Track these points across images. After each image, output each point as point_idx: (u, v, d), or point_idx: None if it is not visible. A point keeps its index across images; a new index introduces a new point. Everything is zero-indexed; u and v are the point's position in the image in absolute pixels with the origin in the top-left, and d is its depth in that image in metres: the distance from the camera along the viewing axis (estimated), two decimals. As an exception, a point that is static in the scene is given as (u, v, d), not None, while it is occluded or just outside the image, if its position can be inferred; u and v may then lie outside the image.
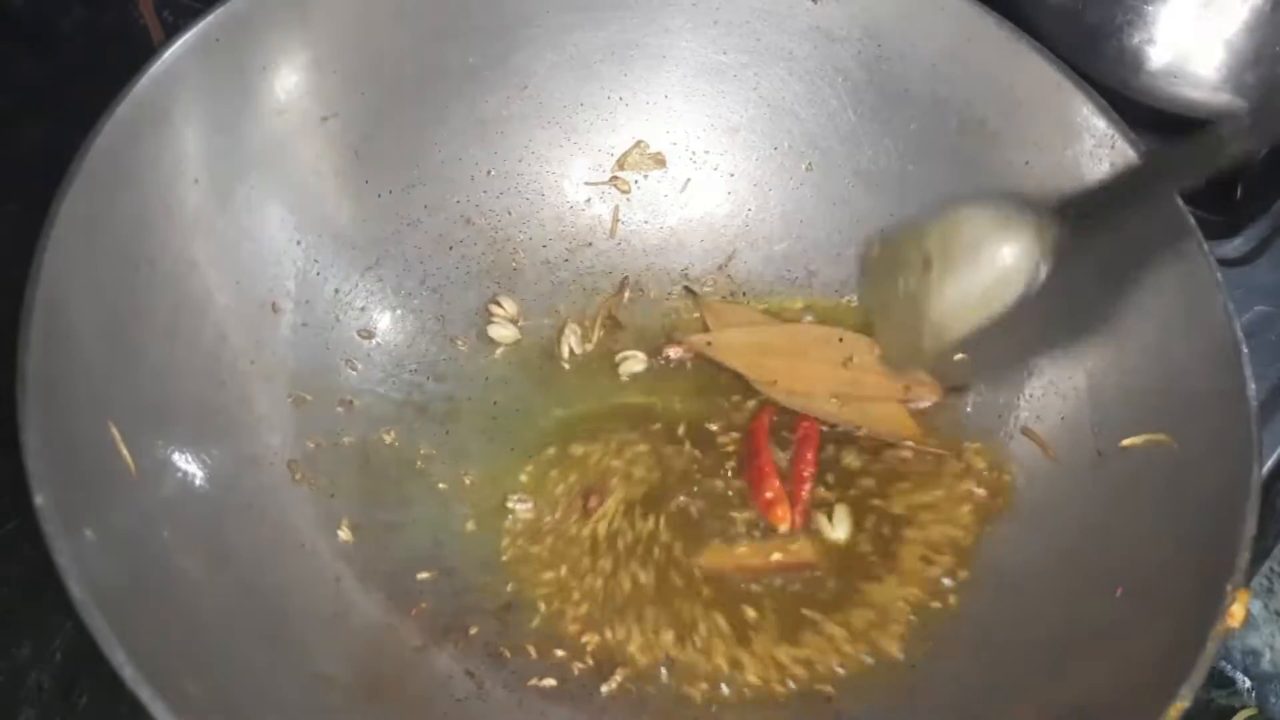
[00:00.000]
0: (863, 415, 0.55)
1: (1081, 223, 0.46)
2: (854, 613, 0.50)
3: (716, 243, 0.62)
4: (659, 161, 0.60)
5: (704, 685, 0.49)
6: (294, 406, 0.52)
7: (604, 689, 0.49)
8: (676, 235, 0.62)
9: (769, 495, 0.52)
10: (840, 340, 0.56)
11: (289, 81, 0.52)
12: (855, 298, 0.58)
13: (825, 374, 0.56)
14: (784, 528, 0.52)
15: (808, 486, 0.53)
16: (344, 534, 0.51)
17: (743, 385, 0.58)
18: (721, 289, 0.61)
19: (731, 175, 0.61)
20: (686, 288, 0.60)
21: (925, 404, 0.55)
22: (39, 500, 0.36)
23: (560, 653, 0.50)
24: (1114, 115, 0.50)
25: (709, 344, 0.57)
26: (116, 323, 0.44)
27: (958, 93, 0.54)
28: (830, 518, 0.53)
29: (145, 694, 0.35)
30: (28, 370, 0.38)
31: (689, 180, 0.62)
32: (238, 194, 0.51)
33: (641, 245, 0.62)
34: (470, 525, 0.53)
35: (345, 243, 0.56)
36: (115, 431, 0.42)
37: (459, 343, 0.58)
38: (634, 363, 0.58)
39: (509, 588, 0.52)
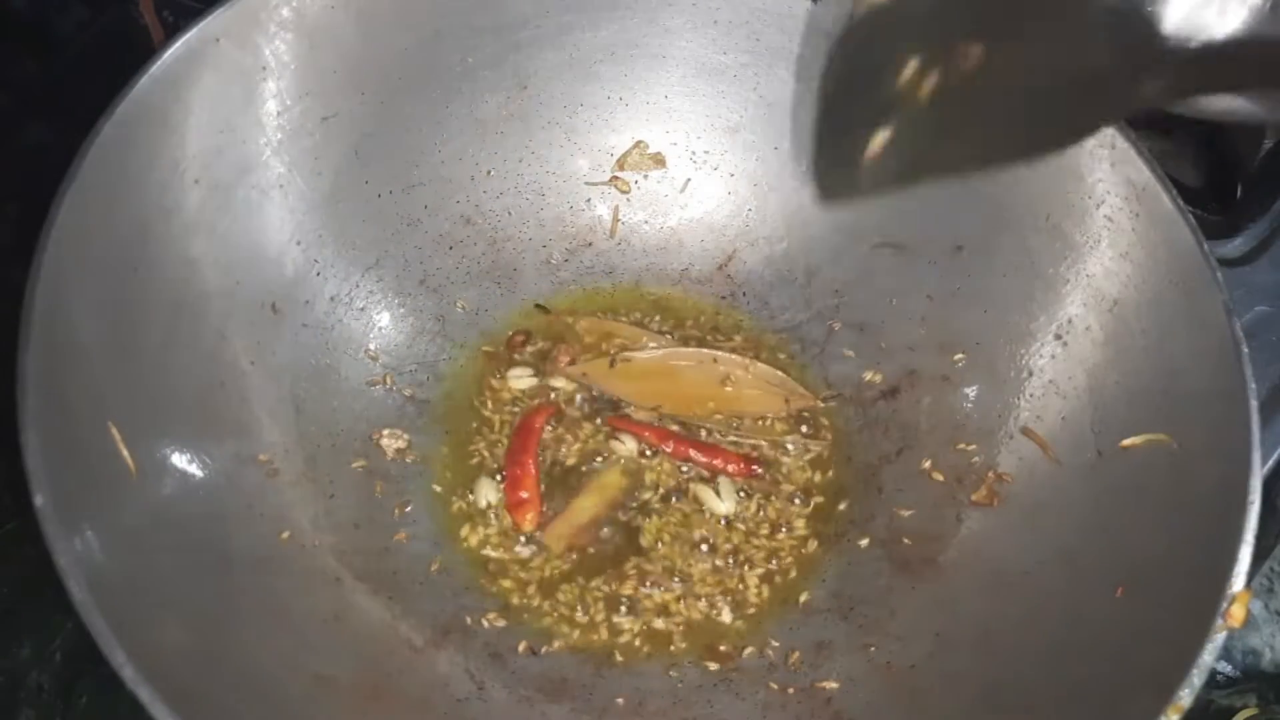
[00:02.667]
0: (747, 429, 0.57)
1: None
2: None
3: (716, 243, 0.62)
4: (659, 161, 0.60)
5: (702, 685, 0.50)
6: (294, 407, 0.52)
7: (603, 688, 0.49)
8: (676, 235, 0.62)
9: (523, 495, 0.53)
10: (715, 360, 0.58)
11: (289, 81, 0.52)
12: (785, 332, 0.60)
13: (706, 394, 0.57)
14: (528, 528, 0.53)
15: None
16: (344, 534, 0.51)
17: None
18: (721, 289, 0.61)
19: (731, 175, 0.61)
20: (538, 305, 0.60)
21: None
22: (39, 500, 0.36)
23: (560, 652, 0.50)
24: (1114, 115, 0.50)
25: (584, 374, 0.57)
26: (116, 323, 0.44)
27: (958, 93, 0.54)
28: (717, 492, 0.54)
29: (145, 694, 0.35)
30: (28, 370, 0.38)
31: (689, 180, 0.62)
32: (238, 194, 0.51)
33: (641, 245, 0.62)
34: (470, 525, 0.54)
35: (345, 243, 0.56)
36: (115, 431, 0.42)
37: (459, 343, 0.58)
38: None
39: (509, 587, 0.52)
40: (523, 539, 0.53)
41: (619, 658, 0.50)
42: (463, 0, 0.55)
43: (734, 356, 0.58)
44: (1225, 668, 0.55)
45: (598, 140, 0.61)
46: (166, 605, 0.40)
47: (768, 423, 0.57)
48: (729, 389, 0.57)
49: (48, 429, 0.38)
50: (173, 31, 0.48)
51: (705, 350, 0.58)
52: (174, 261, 0.48)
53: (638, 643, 0.51)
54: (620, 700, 0.49)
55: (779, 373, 0.58)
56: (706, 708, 0.49)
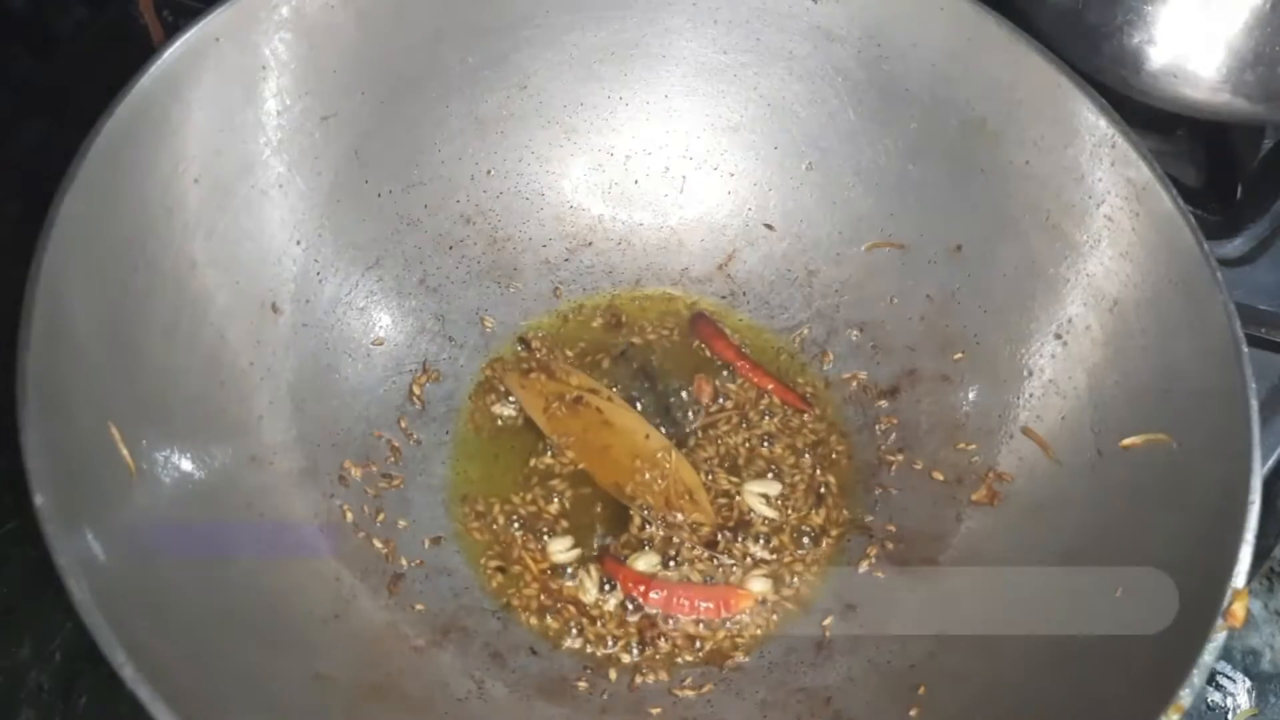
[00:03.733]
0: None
1: None
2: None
3: (716, 243, 0.62)
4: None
5: (702, 684, 0.50)
6: (294, 406, 0.52)
7: (603, 688, 0.49)
8: (677, 235, 0.62)
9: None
10: (646, 437, 0.56)
11: (289, 81, 0.52)
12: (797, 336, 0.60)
13: (627, 468, 0.55)
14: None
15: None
16: (344, 534, 0.51)
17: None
18: (721, 289, 0.61)
19: (731, 175, 0.61)
20: (520, 338, 0.59)
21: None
22: (39, 500, 0.36)
23: (560, 652, 0.50)
24: (1114, 115, 0.50)
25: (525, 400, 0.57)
26: (116, 323, 0.44)
27: (958, 93, 0.54)
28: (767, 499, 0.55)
29: (145, 694, 0.35)
30: (28, 370, 0.38)
31: (689, 180, 0.62)
32: (238, 194, 0.51)
33: (641, 245, 0.62)
34: (470, 525, 0.54)
35: (345, 242, 0.56)
36: (115, 431, 0.42)
37: (459, 343, 0.59)
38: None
39: (508, 588, 0.52)
40: (523, 535, 0.53)
41: (619, 657, 0.50)
42: (462, 0, 0.55)
43: (664, 440, 0.56)
44: (1225, 668, 0.55)
45: (598, 140, 0.61)
46: (166, 605, 0.40)
47: (767, 415, 0.57)
48: (647, 475, 0.55)
49: (48, 429, 0.38)
50: (173, 31, 0.48)
51: (643, 423, 0.56)
52: (174, 261, 0.48)
53: (638, 642, 0.51)
54: (620, 700, 0.49)
55: (695, 476, 0.55)
56: (706, 708, 0.49)
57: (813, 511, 0.55)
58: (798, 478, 0.56)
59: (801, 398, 0.58)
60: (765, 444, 0.57)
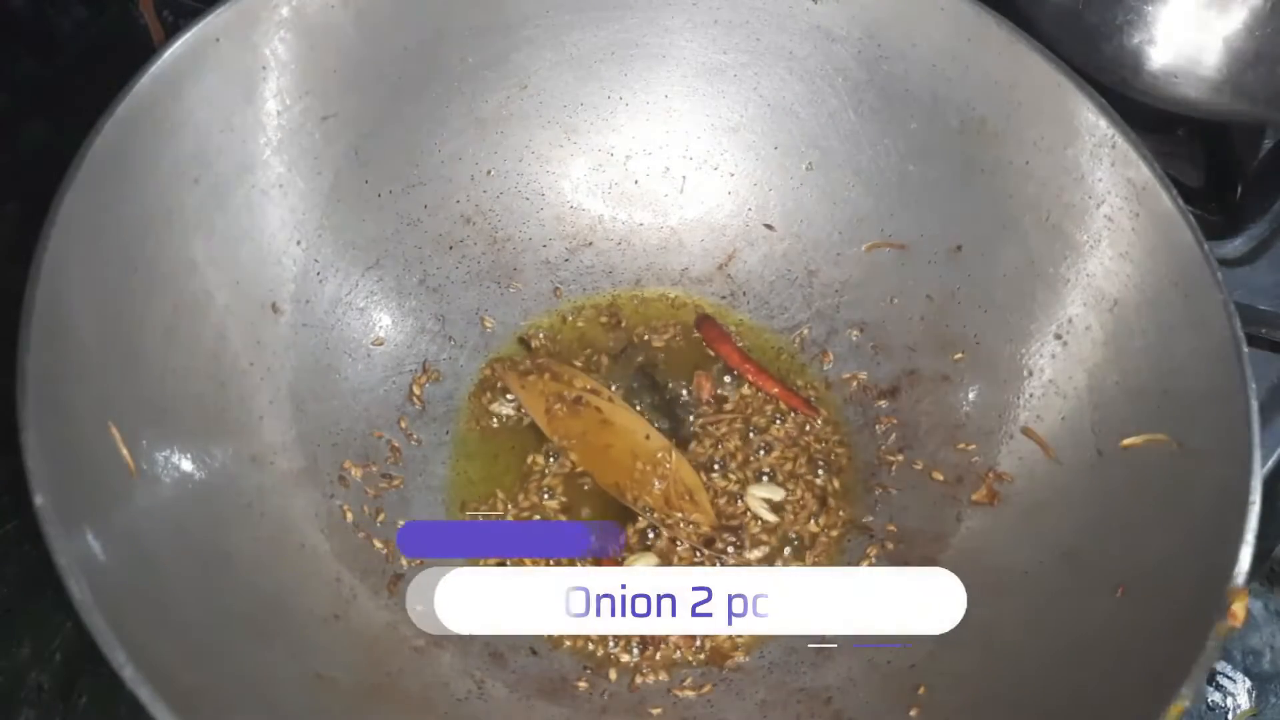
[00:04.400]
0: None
1: None
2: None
3: (716, 243, 0.62)
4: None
5: (702, 685, 0.50)
6: (294, 406, 0.52)
7: (602, 688, 0.49)
8: (677, 235, 0.62)
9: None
10: (647, 437, 0.56)
11: (289, 81, 0.52)
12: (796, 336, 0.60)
13: (625, 466, 0.55)
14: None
15: None
16: (344, 534, 0.51)
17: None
18: (721, 289, 0.61)
19: (731, 175, 0.61)
20: (521, 339, 0.59)
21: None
22: (39, 500, 0.36)
23: (560, 652, 0.50)
24: (1114, 115, 0.50)
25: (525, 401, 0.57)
26: (116, 323, 0.44)
27: (958, 93, 0.54)
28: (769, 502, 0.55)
29: (145, 694, 0.35)
30: (28, 370, 0.38)
31: (689, 180, 0.62)
32: (238, 194, 0.51)
33: (641, 245, 0.62)
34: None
35: (345, 243, 0.56)
36: (115, 431, 0.42)
37: (459, 343, 0.59)
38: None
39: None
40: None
41: (619, 657, 0.50)
42: (462, 0, 0.55)
43: (664, 440, 0.55)
44: (1225, 668, 0.55)
45: (598, 140, 0.61)
46: (166, 605, 0.40)
47: (775, 420, 0.57)
48: (648, 475, 0.55)
49: (48, 429, 0.38)
50: (173, 31, 0.48)
51: (643, 423, 0.56)
52: (174, 261, 0.48)
53: (638, 643, 0.51)
54: (620, 700, 0.49)
55: (695, 476, 0.55)
56: (706, 708, 0.49)
57: (812, 518, 0.55)
58: (800, 482, 0.56)
59: (806, 402, 0.58)
60: (765, 449, 0.57)
